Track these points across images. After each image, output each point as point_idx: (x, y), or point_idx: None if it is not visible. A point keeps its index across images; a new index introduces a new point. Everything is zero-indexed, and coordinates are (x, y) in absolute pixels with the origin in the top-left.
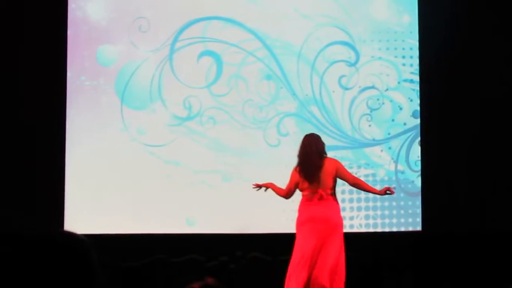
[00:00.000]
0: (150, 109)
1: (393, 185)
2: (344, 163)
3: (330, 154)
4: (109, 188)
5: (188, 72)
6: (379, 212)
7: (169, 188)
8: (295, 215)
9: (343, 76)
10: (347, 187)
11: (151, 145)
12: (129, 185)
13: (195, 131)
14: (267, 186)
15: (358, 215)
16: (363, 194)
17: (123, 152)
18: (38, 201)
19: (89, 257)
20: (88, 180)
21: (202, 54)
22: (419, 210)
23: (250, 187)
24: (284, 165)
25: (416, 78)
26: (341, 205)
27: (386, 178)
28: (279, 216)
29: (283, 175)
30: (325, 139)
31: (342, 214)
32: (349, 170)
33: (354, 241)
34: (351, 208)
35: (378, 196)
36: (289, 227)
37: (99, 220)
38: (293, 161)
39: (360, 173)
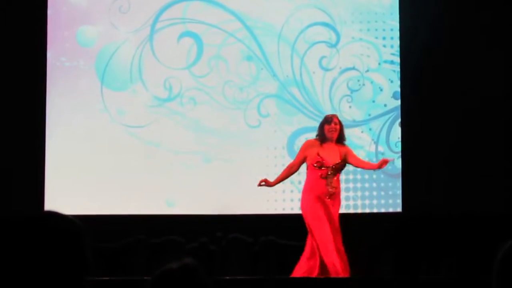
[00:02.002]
0: (130, 90)
1: (391, 158)
2: None
3: (310, 135)
4: (89, 169)
5: (168, 53)
6: (359, 193)
7: (149, 169)
8: (275, 195)
9: (323, 57)
10: None
11: (131, 126)
12: (109, 166)
13: (175, 112)
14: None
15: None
16: (343, 175)
17: (103, 133)
18: (17, 182)
19: (80, 240)
20: (68, 161)
21: (182, 35)
22: (399, 192)
23: (230, 168)
24: (264, 146)
25: (397, 59)
26: None
27: (366, 159)
28: (260, 197)
29: (264, 156)
30: (305, 120)
31: None
32: None
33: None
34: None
35: (358, 177)
36: (270, 207)
37: (79, 201)
38: (274, 142)
39: None
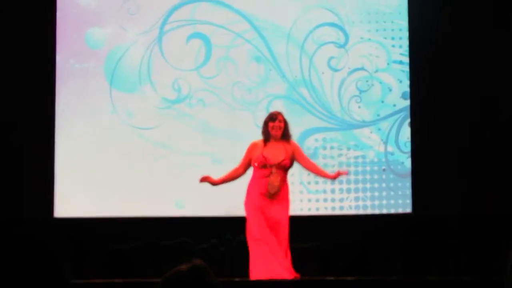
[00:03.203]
0: (140, 92)
1: (346, 170)
2: (333, 145)
3: (318, 135)
4: (98, 171)
5: (177, 54)
6: (368, 194)
7: (158, 171)
8: None
9: (332, 57)
10: (338, 168)
11: (141, 128)
12: (119, 168)
13: (184, 113)
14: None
15: (348, 197)
16: (352, 176)
17: (112, 135)
18: (28, 186)
19: (53, 260)
20: (78, 164)
21: (191, 37)
22: (409, 192)
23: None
24: None
25: (406, 59)
26: (330, 187)
27: (375, 159)
28: None
29: None
30: (314, 120)
31: (332, 196)
32: (338, 152)
33: (343, 223)
34: (341, 190)
35: (367, 177)
36: None
37: (88, 203)
38: None
39: (349, 155)
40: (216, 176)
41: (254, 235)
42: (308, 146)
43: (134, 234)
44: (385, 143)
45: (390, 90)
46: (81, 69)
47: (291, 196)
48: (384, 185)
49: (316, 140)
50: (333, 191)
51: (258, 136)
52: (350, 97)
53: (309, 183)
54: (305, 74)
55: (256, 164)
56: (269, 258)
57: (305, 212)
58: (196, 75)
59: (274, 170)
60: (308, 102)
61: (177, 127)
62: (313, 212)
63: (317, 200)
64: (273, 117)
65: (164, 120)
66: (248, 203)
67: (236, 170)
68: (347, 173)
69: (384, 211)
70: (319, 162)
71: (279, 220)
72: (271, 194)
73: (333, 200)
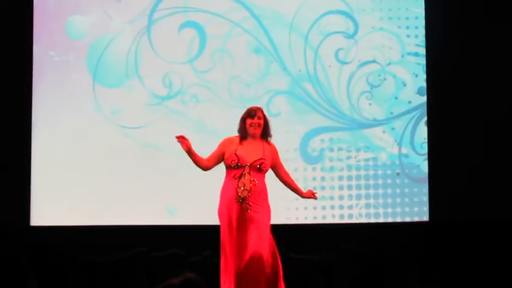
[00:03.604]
0: (126, 87)
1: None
2: (342, 146)
3: (324, 136)
4: (80, 175)
5: (168, 45)
6: (381, 201)
7: (147, 175)
8: (287, 203)
9: (340, 49)
10: (346, 172)
11: (127, 127)
12: (103, 171)
13: (176, 111)
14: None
15: (357, 203)
16: (363, 180)
17: (96, 135)
18: (1, 190)
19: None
20: (57, 166)
21: (183, 26)
22: (426, 198)
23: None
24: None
25: (422, 51)
26: (337, 192)
27: (388, 162)
28: (271, 205)
29: None
30: (320, 119)
31: (340, 203)
32: (347, 154)
33: (353, 233)
34: (350, 196)
35: (379, 182)
36: (281, 216)
37: (69, 211)
38: (285, 143)
39: (359, 157)
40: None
41: (222, 249)
42: (313, 147)
43: (120, 244)
44: (399, 144)
45: (405, 85)
46: (61, 61)
47: (294, 203)
48: (398, 190)
49: (322, 141)
50: (341, 197)
51: None
52: (360, 93)
53: (314, 188)
54: (310, 67)
55: (230, 164)
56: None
57: (309, 220)
58: (189, 69)
59: (246, 170)
60: (313, 98)
61: (168, 126)
62: (319, 221)
63: (323, 207)
64: (251, 113)
65: (154, 119)
66: (219, 210)
67: (206, 160)
68: (316, 198)
69: (398, 220)
70: (325, 165)
71: (251, 233)
72: (241, 198)
73: (341, 207)
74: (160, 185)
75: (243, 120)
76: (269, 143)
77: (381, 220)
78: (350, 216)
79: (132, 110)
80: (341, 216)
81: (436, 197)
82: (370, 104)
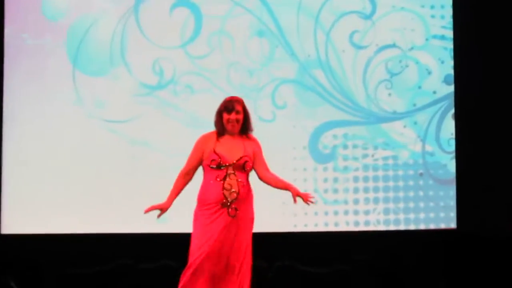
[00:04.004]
0: (111, 76)
1: (314, 199)
2: (357, 143)
3: (338, 131)
4: (58, 177)
5: (158, 27)
6: (401, 205)
7: (135, 176)
8: (294, 209)
9: (355, 31)
10: (362, 172)
11: (112, 121)
12: (84, 172)
13: (167, 102)
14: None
15: (375, 208)
16: (381, 182)
17: (76, 131)
18: None
19: None
20: (31, 167)
21: (175, 5)
22: (453, 203)
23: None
24: (280, 146)
25: (449, 33)
26: (352, 196)
27: (410, 161)
28: (275, 210)
29: (280, 158)
30: (332, 112)
31: (355, 208)
32: (363, 152)
33: (369, 242)
34: (366, 200)
35: (400, 184)
36: (288, 223)
37: (45, 217)
38: (292, 140)
39: (377, 156)
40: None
41: (195, 256)
42: (324, 144)
43: (102, 255)
44: (423, 140)
45: (429, 73)
46: (36, 45)
47: (302, 207)
48: (421, 193)
49: (335, 137)
50: (356, 201)
51: (261, 132)
52: (378, 82)
53: (325, 191)
54: (321, 52)
55: (210, 165)
56: None
57: (320, 228)
58: (183, 54)
59: (230, 170)
60: (325, 88)
61: (159, 120)
62: (331, 228)
63: (336, 213)
64: (228, 108)
65: (142, 112)
66: (197, 214)
67: (186, 174)
68: (309, 203)
69: (422, 227)
70: (338, 164)
71: (235, 242)
72: (229, 202)
73: (356, 212)
74: (149, 187)
75: (219, 114)
76: (249, 137)
77: (401, 227)
78: (367, 223)
79: (117, 102)
80: (356, 223)
81: (464, 201)
82: (389, 94)
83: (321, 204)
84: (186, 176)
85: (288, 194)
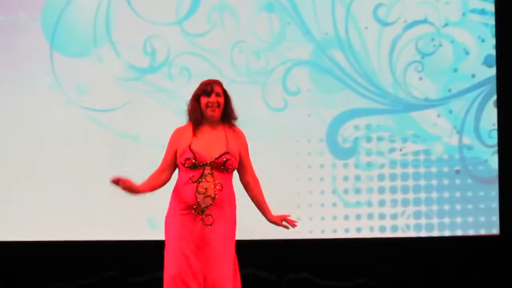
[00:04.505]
0: (94, 57)
1: (293, 219)
2: (383, 135)
3: (360, 121)
4: (33, 175)
5: (150, 1)
6: (435, 208)
7: (123, 174)
8: (310, 211)
9: (380, 5)
10: (388, 169)
11: (96, 110)
12: (63, 170)
13: (161, 88)
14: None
15: (404, 211)
16: (411, 181)
17: (53, 121)
18: None
19: None
20: (2, 164)
21: None
22: (495, 205)
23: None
24: (293, 138)
25: (490, 7)
26: (377, 197)
27: (445, 156)
28: (287, 213)
29: (292, 153)
30: (353, 99)
31: (381, 211)
32: (389, 146)
33: (397, 251)
34: (393, 202)
35: (433, 183)
36: (302, 229)
37: (18, 222)
38: (307, 132)
39: (406, 150)
40: None
41: (168, 270)
42: (344, 137)
43: (86, 266)
44: (460, 132)
45: (467, 53)
46: (7, 22)
47: (319, 210)
48: (458, 194)
49: (357, 128)
50: (382, 203)
51: (271, 122)
52: (407, 63)
53: (346, 191)
54: (340, 30)
55: (184, 164)
56: None
57: (340, 234)
58: (178, 32)
59: (207, 171)
60: (345, 71)
61: (150, 108)
62: (353, 235)
63: (358, 217)
64: (207, 90)
65: (131, 99)
66: (167, 221)
67: (158, 174)
68: (294, 225)
69: (459, 233)
70: (360, 160)
71: (212, 256)
72: (202, 209)
73: (382, 216)
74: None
75: (195, 99)
76: (233, 129)
77: (435, 233)
78: (394, 228)
79: (102, 88)
80: (382, 229)
81: (509, 203)
82: (420, 78)
83: (340, 207)
84: (161, 175)
85: (303, 196)
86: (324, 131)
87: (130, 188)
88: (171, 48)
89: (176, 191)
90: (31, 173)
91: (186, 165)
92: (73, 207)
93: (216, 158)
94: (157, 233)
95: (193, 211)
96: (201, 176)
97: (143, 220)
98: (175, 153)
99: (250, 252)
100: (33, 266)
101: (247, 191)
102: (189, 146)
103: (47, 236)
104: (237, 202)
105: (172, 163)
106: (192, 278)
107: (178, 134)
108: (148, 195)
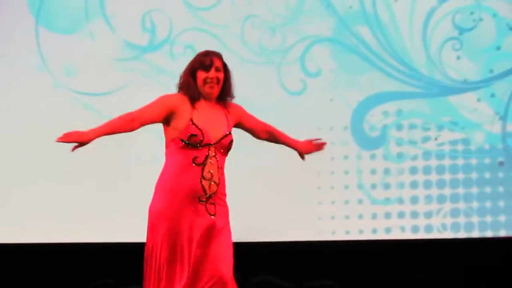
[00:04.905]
0: (86, 33)
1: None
2: (415, 122)
3: (389, 106)
4: (17, 169)
5: None
6: (475, 205)
7: (120, 167)
8: (334, 209)
9: None
10: (421, 161)
11: (88, 94)
12: (51, 162)
13: (161, 69)
14: None
15: (440, 209)
16: (447, 174)
17: (39, 106)
18: None
19: None
20: None
21: None
22: None
23: (256, 163)
24: (314, 125)
25: None
26: (409, 192)
27: (486, 146)
28: (308, 211)
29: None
30: (382, 80)
31: (413, 208)
32: (423, 134)
33: (432, 254)
34: (428, 198)
35: (473, 176)
36: (325, 229)
37: (5, 223)
38: (329, 118)
39: (442, 139)
40: None
41: (154, 273)
42: (371, 124)
43: (78, 272)
44: (503, 118)
45: (511, 28)
46: None
47: (342, 208)
48: (501, 189)
49: (386, 114)
50: (414, 199)
51: (288, 107)
52: (443, 41)
53: (373, 186)
54: (366, 2)
55: (185, 140)
56: None
57: (367, 235)
58: (182, 5)
59: (212, 152)
60: (372, 49)
61: (150, 92)
62: (381, 236)
63: (387, 215)
64: (205, 63)
65: (128, 81)
66: (159, 210)
67: (131, 120)
68: (323, 146)
69: (502, 234)
70: (390, 149)
71: (216, 251)
72: (207, 198)
73: (414, 215)
74: (137, 182)
75: (191, 72)
76: (229, 105)
77: (475, 234)
78: (428, 228)
79: (94, 69)
80: (415, 229)
81: None
82: (458, 57)
83: (367, 204)
84: (133, 122)
85: (324, 191)
86: (349, 118)
87: (77, 136)
88: (173, 23)
89: (172, 175)
90: (17, 166)
91: (190, 143)
92: (61, 203)
93: (221, 139)
94: None
95: (198, 200)
96: (206, 159)
97: (142, 219)
98: (169, 116)
99: (264, 256)
100: (19, 272)
101: (272, 141)
102: (191, 119)
103: (32, 237)
104: (250, 203)
105: (154, 119)
106: (194, 281)
107: (174, 100)
108: (146, 191)
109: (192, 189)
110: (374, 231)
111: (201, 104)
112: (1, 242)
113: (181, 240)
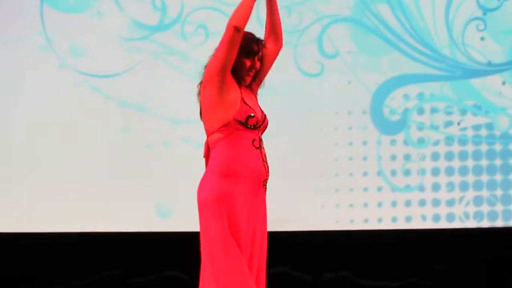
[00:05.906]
0: (93, 12)
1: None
2: (437, 105)
3: (411, 89)
4: (20, 154)
5: None
6: (499, 193)
7: (127, 152)
8: (348, 196)
9: None
10: (444, 147)
11: (95, 75)
12: (55, 146)
13: (172, 49)
14: None
15: (462, 197)
16: (471, 161)
17: (44, 88)
18: None
19: None
20: None
21: None
22: None
23: (271, 148)
24: (332, 109)
25: None
26: (431, 179)
27: (511, 131)
28: (325, 197)
29: (330, 128)
30: (403, 62)
31: (435, 196)
32: (446, 118)
33: (455, 244)
34: (450, 186)
35: (497, 163)
36: (342, 218)
37: (11, 212)
38: (348, 102)
39: (466, 124)
40: None
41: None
42: (392, 108)
43: (81, 264)
44: None
45: None
46: None
47: (361, 195)
48: None
49: (406, 97)
50: (435, 187)
51: (305, 90)
52: (466, 21)
53: (393, 173)
54: None
55: (242, 121)
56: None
57: (386, 224)
58: None
59: (260, 135)
60: (392, 29)
61: (160, 73)
62: (402, 225)
63: (408, 203)
64: (254, 51)
65: (137, 62)
66: (227, 200)
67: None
68: None
69: None
70: (411, 136)
71: (264, 234)
72: (265, 182)
73: (435, 203)
74: (145, 168)
75: (244, 54)
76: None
77: (499, 223)
78: (450, 217)
79: (102, 49)
80: (436, 218)
81: None
82: (482, 38)
83: (387, 191)
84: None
85: (342, 178)
86: (368, 101)
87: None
88: (185, 2)
89: (238, 158)
90: (18, 151)
91: (249, 125)
92: (65, 190)
93: (263, 120)
94: (167, 223)
95: (262, 184)
96: (260, 140)
97: (150, 206)
98: (229, 80)
99: (281, 247)
100: (21, 264)
101: (273, 21)
102: (242, 99)
103: (33, 227)
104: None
105: (235, 55)
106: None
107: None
108: (154, 178)
109: (259, 172)
110: (394, 219)
111: (243, 88)
112: (4, 231)
113: (248, 229)
